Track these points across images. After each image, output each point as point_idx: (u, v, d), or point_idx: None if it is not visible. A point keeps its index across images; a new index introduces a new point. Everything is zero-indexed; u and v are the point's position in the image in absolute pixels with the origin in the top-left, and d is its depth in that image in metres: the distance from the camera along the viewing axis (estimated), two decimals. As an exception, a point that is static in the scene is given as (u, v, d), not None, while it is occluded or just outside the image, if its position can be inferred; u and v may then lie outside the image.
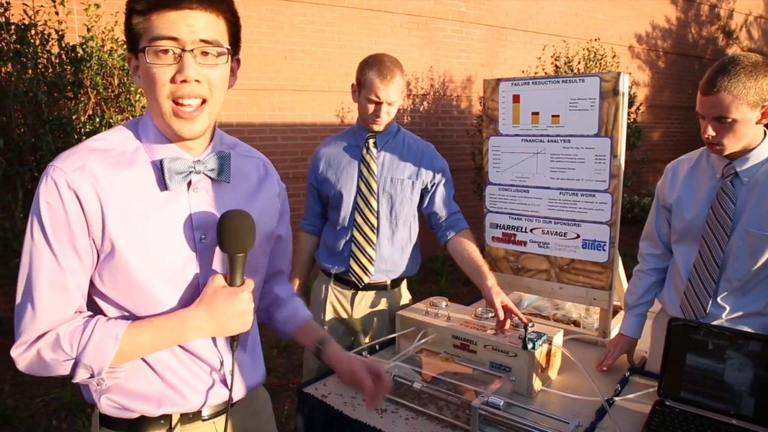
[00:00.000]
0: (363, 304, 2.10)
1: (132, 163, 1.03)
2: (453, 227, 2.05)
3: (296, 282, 2.27)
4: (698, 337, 1.44)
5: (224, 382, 1.14)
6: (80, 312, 1.02)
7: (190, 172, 1.05)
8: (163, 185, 1.03)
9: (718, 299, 1.62)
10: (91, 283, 1.04)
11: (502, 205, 2.12)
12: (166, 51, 0.95)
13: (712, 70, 1.52)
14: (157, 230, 1.02)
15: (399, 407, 1.56)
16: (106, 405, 1.08)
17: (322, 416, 1.58)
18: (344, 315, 2.12)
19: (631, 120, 6.69)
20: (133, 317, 1.04)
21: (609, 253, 1.91)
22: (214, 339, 1.11)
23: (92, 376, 1.00)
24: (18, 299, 1.00)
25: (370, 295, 2.10)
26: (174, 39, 0.95)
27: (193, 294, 1.07)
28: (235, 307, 1.05)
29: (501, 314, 1.70)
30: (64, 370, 1.00)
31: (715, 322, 1.61)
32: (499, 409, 1.39)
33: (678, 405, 1.47)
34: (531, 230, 2.05)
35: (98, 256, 1.01)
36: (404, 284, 2.20)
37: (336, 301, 2.12)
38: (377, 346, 1.90)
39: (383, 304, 2.11)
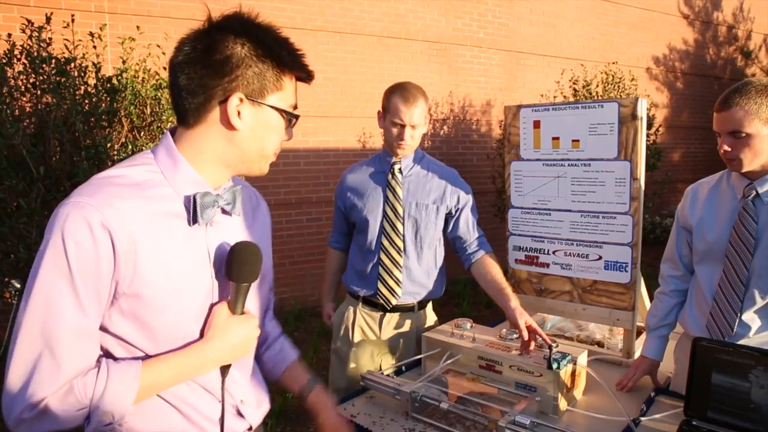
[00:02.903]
0: (390, 325, 2.14)
1: (159, 198, 1.01)
2: (477, 251, 2.10)
3: (326, 302, 2.35)
4: (723, 356, 1.46)
5: (239, 412, 1.16)
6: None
7: (214, 207, 1.07)
8: (193, 220, 1.04)
9: (744, 318, 1.63)
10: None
11: (524, 228, 2.16)
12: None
13: (726, 91, 1.61)
14: (182, 266, 1.02)
15: (427, 426, 1.59)
16: None
17: (351, 435, 1.62)
18: (372, 337, 2.17)
19: (651, 141, 6.68)
20: (143, 356, 1.01)
21: (631, 274, 1.93)
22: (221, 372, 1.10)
23: (111, 423, 0.96)
24: (26, 350, 0.91)
25: (397, 316, 2.15)
26: None
27: (203, 328, 1.08)
28: (247, 334, 1.09)
29: (525, 335, 1.74)
30: (75, 420, 0.94)
31: (741, 341, 1.63)
32: (526, 428, 1.42)
33: (705, 425, 1.48)
34: (553, 252, 2.09)
35: (114, 297, 0.96)
36: (430, 306, 2.24)
37: (364, 323, 2.17)
38: (404, 367, 1.94)
39: (410, 326, 2.16)
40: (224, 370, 1.09)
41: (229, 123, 1.03)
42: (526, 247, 2.16)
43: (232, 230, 1.15)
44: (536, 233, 2.13)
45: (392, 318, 2.14)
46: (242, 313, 1.09)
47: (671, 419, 1.56)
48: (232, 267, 1.07)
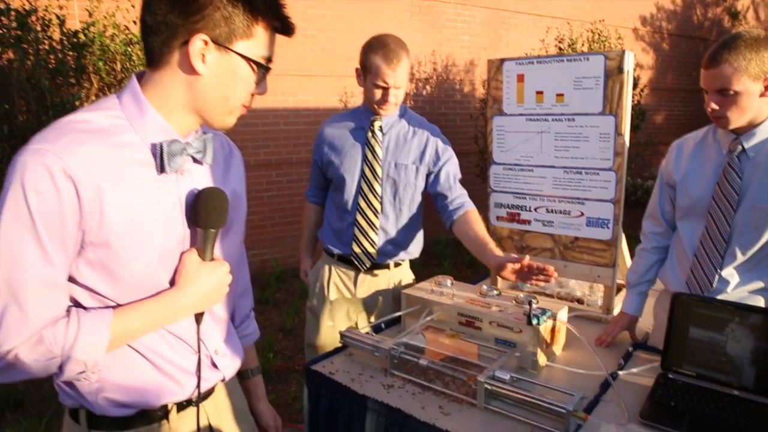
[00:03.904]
0: (366, 284, 2.12)
1: (125, 146, 0.98)
2: (459, 208, 2.04)
3: (304, 258, 2.31)
4: (701, 311, 1.46)
5: (213, 364, 1.16)
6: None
7: (183, 155, 1.03)
8: (161, 169, 1.00)
9: (724, 274, 1.63)
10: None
11: (506, 185, 2.13)
12: None
13: (715, 45, 1.54)
14: (152, 215, 1.00)
15: (406, 383, 1.58)
16: (104, 404, 1.03)
17: (328, 393, 1.61)
18: (348, 295, 2.14)
19: (635, 102, 6.66)
20: (114, 305, 0.99)
21: (613, 231, 1.92)
22: (195, 322, 1.11)
23: (83, 371, 0.96)
24: None
25: (374, 275, 2.12)
26: None
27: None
28: (218, 281, 1.08)
29: (524, 261, 1.66)
30: (47, 370, 0.94)
31: (719, 297, 1.63)
32: (505, 383, 1.41)
33: (681, 378, 1.49)
34: (535, 209, 2.06)
35: (81, 246, 0.94)
36: (407, 264, 2.21)
37: (339, 281, 2.14)
38: (383, 325, 1.92)
39: (386, 284, 2.13)
40: (198, 318, 1.09)
41: (191, 66, 0.98)
42: (508, 204, 2.13)
43: (205, 179, 1.11)
44: (518, 190, 2.10)
45: (367, 276, 2.12)
46: (212, 259, 1.08)
47: (648, 373, 1.56)
48: (199, 213, 1.05)
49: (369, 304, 2.14)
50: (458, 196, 2.06)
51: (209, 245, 1.07)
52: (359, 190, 2.03)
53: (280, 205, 5.53)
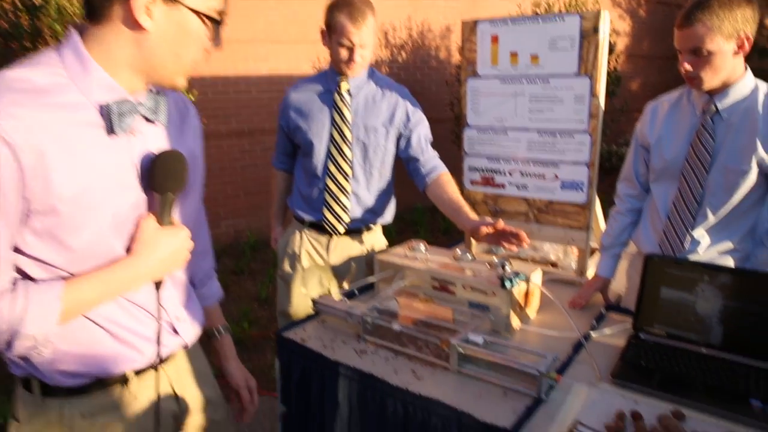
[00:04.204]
0: (339, 250, 2.09)
1: (70, 107, 0.91)
2: (432, 172, 2.01)
3: (275, 226, 2.27)
4: (673, 271, 1.46)
5: (174, 329, 1.14)
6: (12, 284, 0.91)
7: (133, 115, 0.97)
8: (110, 130, 0.94)
9: (695, 235, 1.63)
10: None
11: (480, 149, 2.10)
12: None
13: (688, 5, 1.52)
14: (103, 179, 0.94)
15: (379, 348, 1.56)
16: (57, 375, 1.00)
17: (300, 360, 1.59)
18: (320, 261, 2.11)
19: (611, 68, 6.65)
20: (66, 276, 0.95)
21: (587, 194, 1.91)
22: (155, 287, 1.08)
23: (34, 346, 0.93)
24: None
25: (346, 240, 2.09)
26: None
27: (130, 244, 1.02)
28: (177, 246, 1.04)
29: (498, 224, 1.66)
30: None
31: (691, 257, 1.64)
32: (479, 346, 1.40)
33: (652, 338, 1.50)
34: (509, 173, 2.04)
35: (26, 215, 0.89)
36: (379, 229, 2.18)
37: (311, 248, 2.10)
38: (356, 291, 1.90)
39: (359, 249, 2.10)
40: (158, 284, 1.06)
41: (136, 22, 0.91)
42: (482, 168, 2.11)
43: (159, 140, 1.06)
44: (492, 153, 2.07)
45: (340, 242, 2.08)
46: (171, 224, 1.04)
47: (620, 334, 1.57)
48: (156, 177, 1.00)
49: (342, 271, 2.12)
50: (430, 159, 2.03)
51: (167, 210, 1.03)
52: (328, 155, 1.98)
53: (254, 174, 5.44)
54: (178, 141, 1.11)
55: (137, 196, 1.01)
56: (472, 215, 1.83)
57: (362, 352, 1.55)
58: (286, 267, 2.13)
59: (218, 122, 5.18)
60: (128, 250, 1.00)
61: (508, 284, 1.57)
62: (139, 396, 1.11)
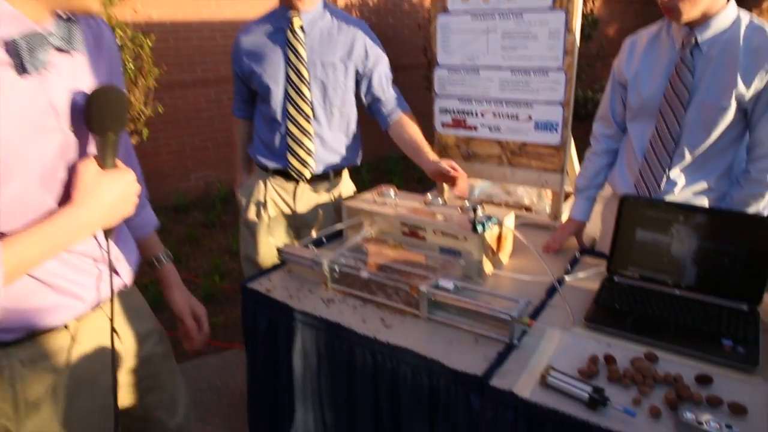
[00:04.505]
0: (306, 197, 2.00)
1: None
2: (393, 112, 1.94)
3: (240, 174, 2.17)
4: (648, 212, 1.41)
5: (114, 271, 1.10)
6: None
7: (46, 48, 0.86)
8: (21, 69, 0.83)
9: (672, 175, 1.59)
10: None
11: (451, 89, 2.00)
12: None
13: None
14: (18, 126, 0.84)
15: (347, 297, 1.51)
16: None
17: (266, 311, 1.52)
18: (287, 210, 2.03)
19: (588, 10, 6.51)
20: None
21: (562, 135, 1.84)
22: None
23: None
24: None
25: (313, 187, 2.00)
26: None
27: (67, 191, 0.93)
28: (124, 190, 0.96)
29: (451, 171, 1.72)
30: None
31: (667, 198, 1.59)
32: (449, 292, 1.35)
33: (626, 281, 1.46)
34: (482, 114, 1.96)
35: None
36: (346, 174, 2.10)
37: (277, 196, 2.01)
38: (324, 238, 1.83)
39: (326, 196, 2.03)
40: (108, 233, 1.00)
41: None
42: (453, 110, 2.02)
43: (77, 71, 0.95)
44: (464, 94, 1.98)
45: (306, 189, 2.00)
46: (114, 167, 0.95)
47: (594, 277, 1.54)
48: (93, 117, 0.90)
49: (309, 219, 2.04)
50: (392, 99, 1.95)
51: (109, 152, 0.94)
52: (287, 97, 1.87)
53: (222, 124, 5.26)
54: (97, 69, 1.00)
55: (63, 140, 0.91)
56: (432, 156, 1.80)
57: (329, 301, 1.49)
58: (251, 215, 2.04)
59: (182, 71, 4.95)
60: (67, 199, 0.91)
61: (479, 228, 1.51)
62: (81, 339, 1.07)
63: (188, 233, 4.32)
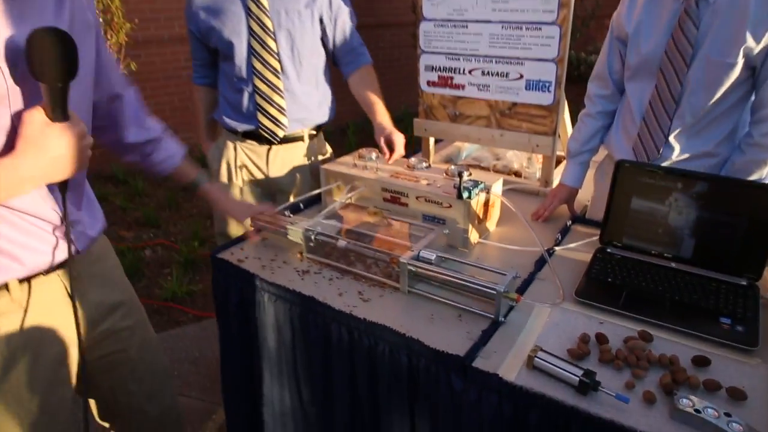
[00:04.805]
0: (280, 160, 1.88)
1: None
2: (354, 62, 1.85)
3: (205, 146, 2.04)
4: (645, 179, 1.32)
5: (66, 234, 1.03)
6: None
7: None
8: None
9: (671, 139, 1.49)
10: None
11: (438, 45, 1.87)
12: None
13: None
14: None
15: (322, 267, 1.41)
16: None
17: (238, 283, 1.43)
18: (259, 175, 1.91)
19: (582, -33, 6.29)
20: None
21: (554, 95, 1.72)
22: (49, 192, 0.98)
23: None
24: None
25: (286, 148, 1.88)
26: None
27: (10, 141, 0.86)
28: (71, 144, 0.89)
29: (385, 150, 1.68)
30: None
31: (665, 164, 1.50)
32: (431, 263, 1.26)
33: (619, 252, 1.38)
34: (470, 71, 1.83)
35: None
36: (322, 136, 1.98)
37: (248, 161, 1.89)
38: (301, 205, 1.72)
39: (302, 159, 1.91)
40: (62, 187, 0.95)
41: None
42: (440, 67, 1.89)
43: (25, 12, 0.84)
44: (451, 50, 1.85)
45: (280, 151, 1.88)
46: (66, 119, 0.88)
47: (586, 248, 1.45)
48: (34, 64, 0.81)
49: (284, 184, 1.92)
50: (353, 49, 1.85)
51: (57, 102, 0.86)
52: (251, 52, 1.72)
53: (203, 82, 5.06)
54: (43, 11, 0.88)
55: (3, 86, 0.82)
56: (379, 118, 1.76)
57: (305, 272, 1.40)
58: (222, 183, 1.93)
59: (159, 27, 4.73)
60: (11, 150, 0.85)
61: (465, 195, 1.41)
62: (26, 304, 1.02)
63: (168, 197, 4.18)
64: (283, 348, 1.38)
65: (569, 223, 1.60)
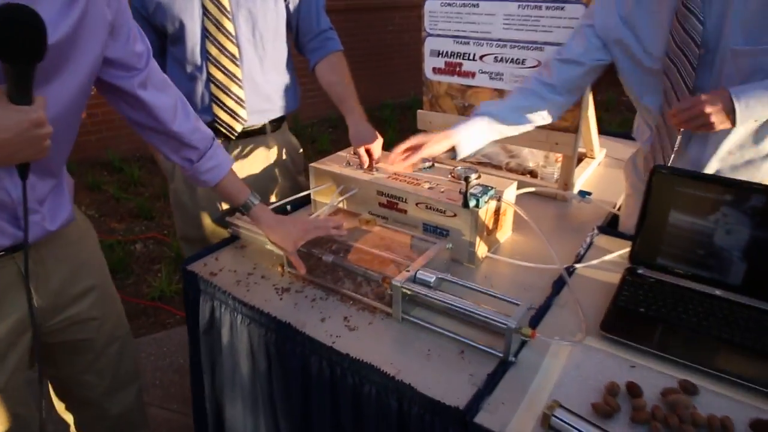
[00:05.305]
0: (239, 157, 1.64)
1: None
2: (321, 48, 1.60)
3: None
4: (688, 189, 1.11)
5: (19, 220, 0.98)
6: None
7: None
8: None
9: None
10: None
11: (445, 26, 1.65)
12: None
13: None
14: None
15: (306, 285, 1.22)
16: None
17: (209, 299, 1.24)
18: None
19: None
20: None
21: (578, 86, 1.50)
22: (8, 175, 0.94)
23: None
24: None
25: (247, 144, 1.64)
26: None
27: None
28: (21, 129, 0.82)
29: (364, 159, 1.44)
30: None
31: (705, 169, 1.27)
32: (429, 287, 1.07)
33: (653, 273, 1.17)
34: (481, 57, 1.62)
35: None
36: (286, 127, 1.75)
37: None
38: (288, 207, 1.52)
39: (265, 155, 1.67)
40: (21, 171, 0.88)
41: None
42: (447, 52, 1.67)
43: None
44: (460, 32, 1.63)
45: (239, 147, 1.63)
46: (27, 103, 0.82)
47: (613, 267, 1.25)
48: None
49: (247, 184, 1.66)
50: (322, 33, 1.60)
51: (16, 83, 0.80)
52: (205, 34, 1.48)
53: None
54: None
55: None
56: (354, 117, 1.51)
57: (284, 290, 1.21)
58: (179, 184, 1.69)
59: None
60: None
61: (472, 203, 1.21)
62: None
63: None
64: (258, 376, 1.20)
65: (594, 233, 1.39)
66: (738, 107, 1.09)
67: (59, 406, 1.33)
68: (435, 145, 1.35)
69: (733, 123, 1.10)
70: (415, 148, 1.36)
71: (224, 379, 1.28)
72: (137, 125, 1.14)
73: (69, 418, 1.33)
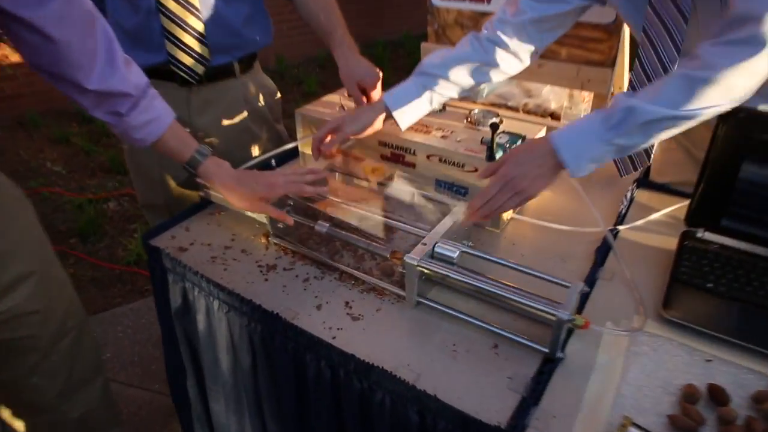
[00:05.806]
0: (205, 105, 1.35)
1: None
2: None
3: None
4: (765, 135, 0.89)
5: None
6: None
7: None
8: None
9: None
10: None
11: (455, -61, 1.38)
12: None
13: None
14: None
15: (297, 260, 1.01)
16: None
17: (179, 280, 1.02)
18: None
19: None
20: None
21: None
22: None
23: None
24: None
25: (213, 90, 1.34)
26: None
27: None
28: None
29: (360, 100, 1.20)
30: None
31: None
32: (452, 265, 0.85)
33: (717, 237, 0.96)
34: (499, -23, 1.35)
35: None
36: (257, 65, 1.45)
37: None
38: (273, 161, 1.28)
39: (237, 101, 1.38)
40: None
41: None
42: (458, -30, 1.40)
43: None
44: (474, -55, 1.36)
45: (204, 93, 1.33)
46: None
47: (663, 228, 1.04)
48: None
49: (218, 138, 1.38)
50: None
51: None
52: None
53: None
54: None
55: None
56: (345, 50, 1.24)
57: (270, 267, 1.00)
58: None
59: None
60: None
61: (499, 155, 0.99)
62: None
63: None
64: (240, 373, 1.00)
65: (633, 188, 1.18)
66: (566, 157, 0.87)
67: (4, 413, 1.13)
68: (362, 117, 1.10)
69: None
70: (336, 130, 1.10)
71: (205, 370, 1.09)
72: (44, 72, 0.87)
73: (19, 425, 1.14)
